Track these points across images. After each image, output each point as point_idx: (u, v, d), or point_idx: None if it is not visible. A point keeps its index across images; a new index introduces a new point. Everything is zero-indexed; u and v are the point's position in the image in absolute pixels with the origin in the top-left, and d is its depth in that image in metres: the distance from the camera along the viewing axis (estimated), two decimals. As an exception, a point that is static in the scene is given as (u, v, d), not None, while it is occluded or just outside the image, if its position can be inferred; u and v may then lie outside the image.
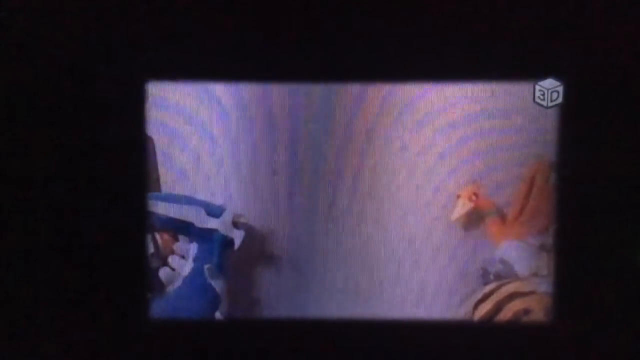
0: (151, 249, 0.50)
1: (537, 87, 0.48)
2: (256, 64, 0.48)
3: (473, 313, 0.50)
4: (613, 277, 0.48)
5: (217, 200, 0.50)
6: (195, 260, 0.51)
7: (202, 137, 0.50)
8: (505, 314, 0.49)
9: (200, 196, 0.50)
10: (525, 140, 0.49)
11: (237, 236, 0.50)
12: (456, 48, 0.47)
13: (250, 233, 0.51)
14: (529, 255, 0.50)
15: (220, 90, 0.49)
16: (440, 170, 0.50)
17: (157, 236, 0.50)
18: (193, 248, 0.51)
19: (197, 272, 0.50)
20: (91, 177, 0.48)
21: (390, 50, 0.47)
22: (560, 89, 0.47)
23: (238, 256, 0.51)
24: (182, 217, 0.50)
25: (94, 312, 0.49)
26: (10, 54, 0.47)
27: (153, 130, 0.49)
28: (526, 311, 0.49)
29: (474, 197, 0.50)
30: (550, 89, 0.48)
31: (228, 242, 0.50)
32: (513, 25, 0.47)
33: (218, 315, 0.51)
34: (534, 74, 0.48)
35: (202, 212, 0.50)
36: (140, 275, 0.49)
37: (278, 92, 0.49)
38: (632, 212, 0.47)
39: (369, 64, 0.48)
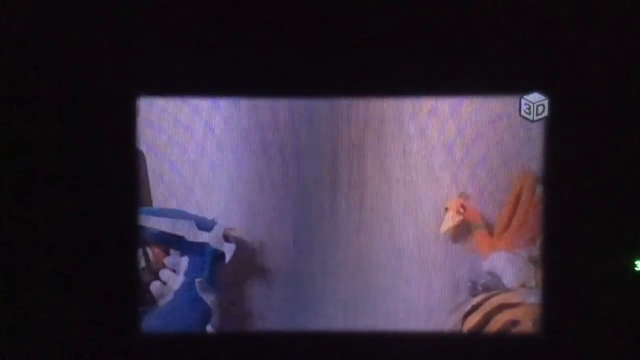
0: (142, 263, 0.50)
1: (523, 101, 0.48)
2: (246, 79, 0.48)
3: (462, 324, 0.50)
4: (600, 287, 0.48)
5: (208, 214, 0.51)
6: (186, 273, 0.51)
7: (192, 152, 0.50)
8: (494, 326, 0.50)
9: (191, 210, 0.50)
10: (512, 153, 0.49)
11: (228, 250, 0.50)
12: (443, 63, 0.47)
13: (241, 246, 0.51)
14: (516, 267, 0.50)
15: (211, 105, 0.50)
16: (429, 184, 0.50)
17: (148, 250, 0.51)
18: (184, 262, 0.51)
19: (188, 285, 0.51)
20: (82, 192, 0.48)
21: (377, 65, 0.48)
22: (546, 102, 0.48)
23: (229, 269, 0.51)
24: (173, 231, 0.50)
25: (85, 326, 0.49)
26: (2, 69, 0.48)
27: (144, 145, 0.49)
28: (514, 322, 0.50)
29: (461, 210, 0.50)
30: (535, 102, 0.48)
31: (219, 255, 0.51)
32: (499, 40, 0.47)
33: (209, 328, 0.51)
34: (520, 88, 0.48)
35: (193, 225, 0.50)
36: (132, 289, 0.50)
37: (268, 107, 0.49)
38: (618, 222, 0.48)
39: (357, 78, 0.48)
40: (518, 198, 0.50)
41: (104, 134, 0.48)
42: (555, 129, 0.48)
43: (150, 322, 0.50)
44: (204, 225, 0.50)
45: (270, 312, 0.51)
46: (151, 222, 0.50)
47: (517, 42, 0.47)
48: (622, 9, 0.47)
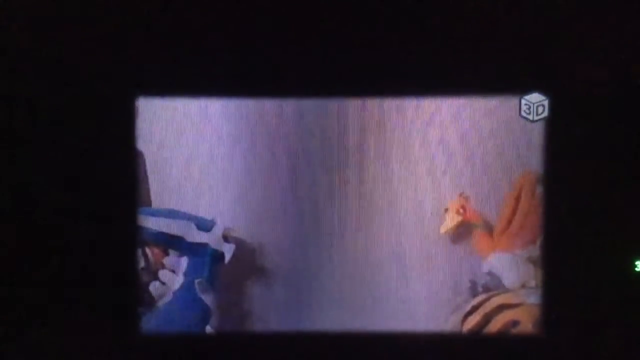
0: (142, 264, 0.50)
1: (523, 102, 0.49)
2: (246, 79, 0.48)
3: (462, 325, 0.50)
4: (600, 287, 0.48)
5: (208, 214, 0.51)
6: (185, 274, 0.51)
7: (191, 152, 0.50)
8: (494, 326, 0.50)
9: (191, 210, 0.50)
10: (512, 153, 0.49)
11: (228, 250, 0.51)
12: (443, 63, 0.48)
13: (241, 247, 0.51)
14: (516, 267, 0.50)
15: (210, 105, 0.50)
16: (429, 184, 0.50)
17: (148, 250, 0.51)
18: (183, 262, 0.51)
19: (187, 286, 0.51)
20: (82, 192, 0.48)
21: (379, 66, 0.48)
22: (546, 103, 0.48)
23: (228, 270, 0.51)
24: (172, 232, 0.50)
25: (85, 326, 0.49)
26: (2, 69, 0.48)
27: (143, 145, 0.49)
28: (515, 323, 0.50)
29: (461, 210, 0.50)
30: (535, 103, 0.48)
31: (218, 256, 0.51)
32: (499, 40, 0.48)
33: (209, 328, 0.51)
34: (520, 88, 0.48)
35: (193, 226, 0.50)
36: (131, 290, 0.50)
37: (268, 107, 0.50)
38: (618, 222, 0.48)
39: (358, 78, 0.48)
40: (518, 198, 0.50)
41: (104, 134, 0.48)
42: (555, 129, 0.48)
43: (150, 323, 0.50)
44: (204, 225, 0.51)
45: (269, 312, 0.51)
46: (150, 222, 0.50)
47: (517, 43, 0.48)
48: (622, 9, 0.47)
